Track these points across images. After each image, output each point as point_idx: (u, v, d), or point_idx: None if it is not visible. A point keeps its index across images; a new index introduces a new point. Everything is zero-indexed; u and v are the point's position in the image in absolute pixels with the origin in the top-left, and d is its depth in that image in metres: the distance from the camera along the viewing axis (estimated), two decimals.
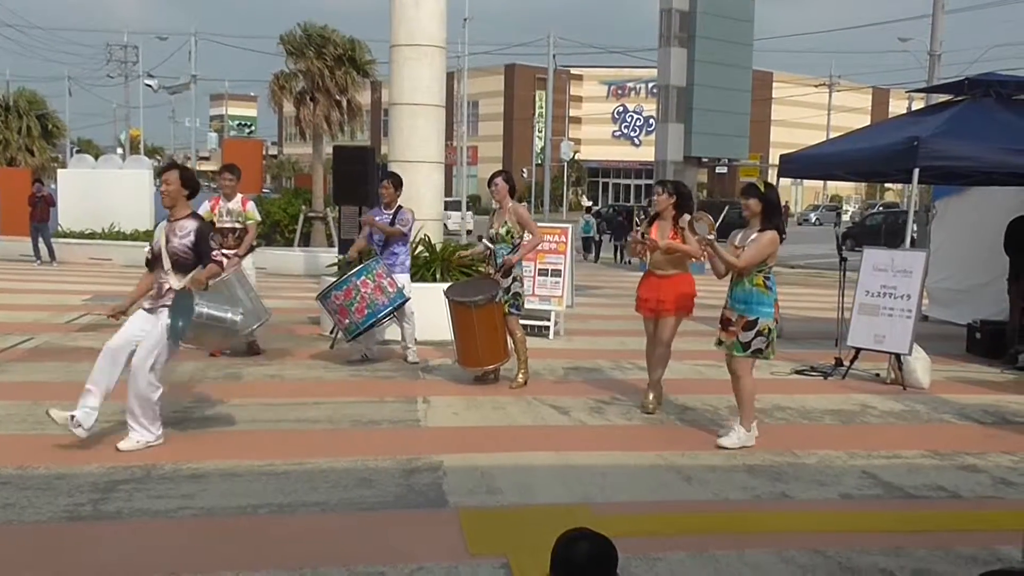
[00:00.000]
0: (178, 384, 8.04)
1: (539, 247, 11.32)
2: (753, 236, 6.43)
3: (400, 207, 9.25)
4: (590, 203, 45.08)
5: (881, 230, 31.24)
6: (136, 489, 5.21)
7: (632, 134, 73.87)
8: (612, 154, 73.07)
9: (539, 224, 12.12)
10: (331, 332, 9.88)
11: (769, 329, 6.34)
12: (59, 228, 22.08)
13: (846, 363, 9.32)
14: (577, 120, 72.94)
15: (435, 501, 5.21)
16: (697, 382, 8.68)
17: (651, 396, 7.49)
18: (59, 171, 25.75)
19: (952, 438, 7.05)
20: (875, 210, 46.12)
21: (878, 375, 9.23)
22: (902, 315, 8.97)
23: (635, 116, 73.42)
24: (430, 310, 9.34)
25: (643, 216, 7.60)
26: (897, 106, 66.57)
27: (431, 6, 11.39)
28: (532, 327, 10.84)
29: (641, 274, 7.63)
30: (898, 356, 8.92)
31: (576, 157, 66.42)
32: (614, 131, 74.21)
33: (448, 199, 30.24)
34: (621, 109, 74.07)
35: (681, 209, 7.23)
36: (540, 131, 60.60)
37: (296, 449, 6.10)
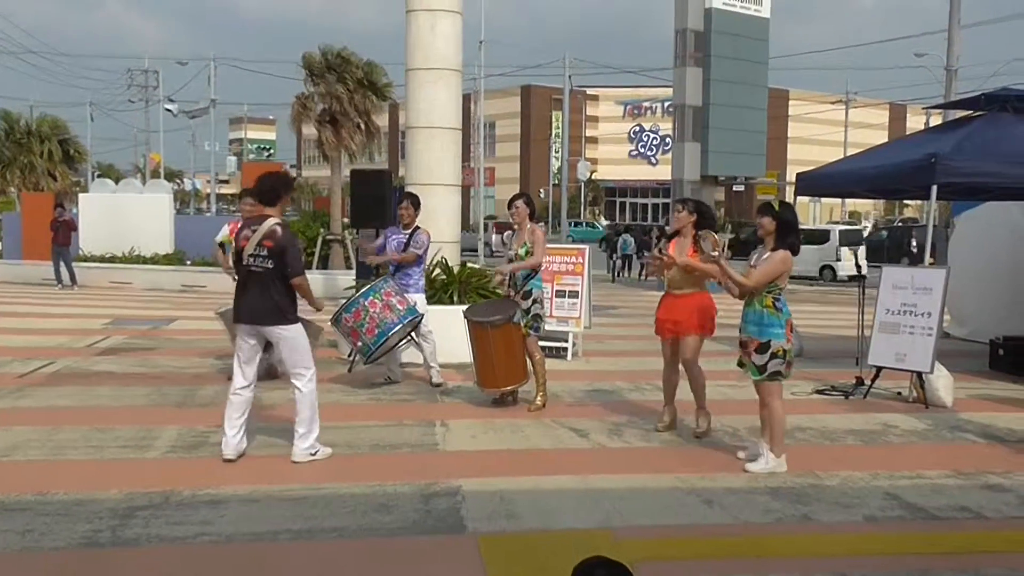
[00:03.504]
0: (196, 409, 8.08)
1: (558, 269, 11.43)
2: (765, 255, 6.38)
3: (417, 228, 9.25)
4: (615, 223, 45.07)
5: (885, 246, 31.74)
6: (154, 515, 5.21)
7: (648, 153, 73.97)
8: (629, 173, 73.15)
9: (557, 245, 12.16)
10: (349, 355, 9.89)
11: (784, 351, 6.24)
12: (80, 252, 22.27)
13: (867, 382, 9.24)
14: (594, 140, 73.13)
15: (453, 526, 5.18)
16: (717, 403, 8.56)
17: (667, 419, 7.45)
18: (80, 195, 25.98)
19: (976, 457, 6.96)
20: (873, 227, 46.59)
21: (900, 393, 9.15)
22: (923, 333, 8.89)
23: (651, 135, 73.54)
24: (448, 333, 9.33)
25: (660, 237, 7.54)
26: (915, 122, 66.28)
27: (447, 30, 11.46)
28: (550, 348, 10.80)
29: (659, 294, 7.59)
30: (920, 374, 8.84)
31: (593, 177, 66.55)
32: (631, 151, 74.33)
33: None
34: (637, 129, 74.21)
35: (701, 228, 7.12)
36: (557, 151, 60.76)
37: (314, 474, 6.10)
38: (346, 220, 20.58)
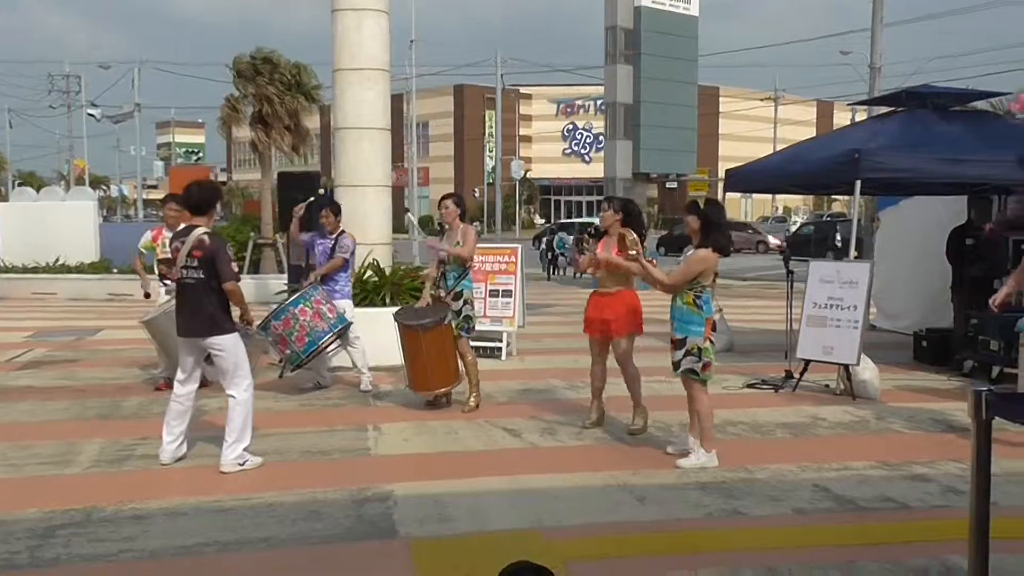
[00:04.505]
0: (120, 421, 7.88)
1: (491, 269, 11.40)
2: (689, 253, 6.44)
3: (342, 232, 9.20)
4: (550, 223, 45.23)
5: (811, 240, 32.38)
6: (75, 534, 5.05)
7: (582, 151, 74.30)
8: (563, 172, 73.40)
9: (491, 245, 12.13)
10: (280, 361, 9.73)
11: (699, 348, 6.28)
12: (1, 263, 21.61)
13: (796, 375, 9.38)
14: (527, 139, 73.25)
15: (385, 532, 5.13)
16: (647, 399, 8.59)
17: (594, 416, 7.50)
18: (0, 205, 25.23)
19: (901, 447, 7.11)
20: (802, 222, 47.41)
21: (828, 386, 9.30)
22: (849, 326, 9.05)
23: (585, 133, 73.89)
24: (380, 335, 9.25)
25: (591, 234, 7.56)
26: (841, 118, 67.68)
27: (373, 29, 11.33)
28: (484, 348, 10.77)
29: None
30: (847, 367, 9.00)
31: (527, 175, 66.68)
32: (564, 149, 74.59)
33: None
34: (571, 127, 74.50)
35: (628, 226, 7.17)
36: (491, 151, 60.80)
37: (243, 483, 5.98)
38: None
